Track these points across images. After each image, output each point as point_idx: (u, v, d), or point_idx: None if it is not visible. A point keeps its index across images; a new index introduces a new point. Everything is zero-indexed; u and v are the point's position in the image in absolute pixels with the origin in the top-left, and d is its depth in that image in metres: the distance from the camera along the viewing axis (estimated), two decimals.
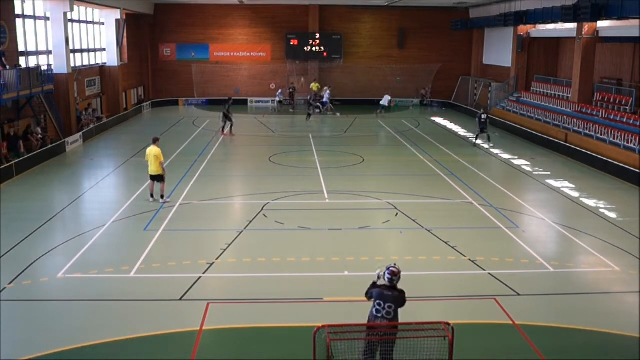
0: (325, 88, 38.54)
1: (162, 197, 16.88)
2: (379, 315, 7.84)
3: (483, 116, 26.90)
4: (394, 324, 7.87)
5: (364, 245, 13.73)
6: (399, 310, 7.96)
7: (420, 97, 42.92)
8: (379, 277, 8.06)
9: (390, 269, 7.93)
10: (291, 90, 40.35)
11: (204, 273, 11.95)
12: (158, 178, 16.75)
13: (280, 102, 39.59)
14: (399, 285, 8.01)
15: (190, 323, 9.81)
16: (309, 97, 36.31)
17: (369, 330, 7.98)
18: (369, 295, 8.03)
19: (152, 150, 16.61)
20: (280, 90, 39.94)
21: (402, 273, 8.15)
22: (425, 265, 12.55)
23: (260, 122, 33.90)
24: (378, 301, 7.85)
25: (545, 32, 33.60)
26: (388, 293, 7.84)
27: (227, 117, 28.69)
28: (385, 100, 37.27)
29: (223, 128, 28.91)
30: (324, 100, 37.25)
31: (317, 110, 37.10)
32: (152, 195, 17.02)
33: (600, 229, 14.97)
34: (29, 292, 11.04)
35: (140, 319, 10.06)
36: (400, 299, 7.88)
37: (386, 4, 39.47)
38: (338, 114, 36.53)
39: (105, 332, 9.49)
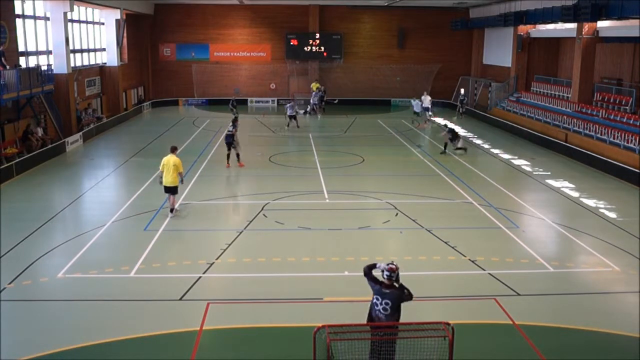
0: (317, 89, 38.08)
1: (171, 210, 15.53)
2: (377, 308, 7.97)
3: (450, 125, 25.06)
4: (394, 323, 7.89)
5: (364, 245, 13.73)
6: (403, 304, 8.06)
7: (460, 107, 37.34)
8: (379, 269, 8.11)
9: (389, 266, 8.00)
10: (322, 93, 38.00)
11: (204, 273, 11.94)
12: (173, 190, 15.42)
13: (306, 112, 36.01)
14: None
15: (190, 323, 9.81)
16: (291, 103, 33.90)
17: (370, 330, 8.01)
18: (371, 281, 8.06)
19: (171, 160, 15.21)
20: (289, 104, 31.90)
21: (402, 273, 8.20)
22: (425, 265, 12.55)
23: (260, 122, 33.90)
24: (376, 296, 7.96)
25: (545, 32, 33.60)
26: (386, 290, 7.93)
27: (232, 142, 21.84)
28: (417, 106, 33.61)
29: (237, 156, 22.01)
30: (315, 101, 36.95)
31: (304, 111, 36.98)
32: (171, 211, 15.50)
33: (600, 229, 14.97)
34: (29, 292, 11.04)
35: (140, 319, 10.05)
36: (398, 296, 7.94)
37: (386, 4, 39.48)
38: (308, 115, 36.48)
39: (105, 332, 9.49)
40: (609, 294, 11.25)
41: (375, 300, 7.98)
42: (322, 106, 37.53)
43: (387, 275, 7.97)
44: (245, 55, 42.59)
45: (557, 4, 26.56)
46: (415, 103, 34.39)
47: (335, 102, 39.76)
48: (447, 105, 41.88)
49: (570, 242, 14.20)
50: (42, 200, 17.59)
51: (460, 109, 37.39)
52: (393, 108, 42.00)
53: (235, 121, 23.02)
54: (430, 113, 34.17)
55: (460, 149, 24.55)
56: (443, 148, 24.69)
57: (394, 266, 8.01)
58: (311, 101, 37.02)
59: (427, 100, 34.12)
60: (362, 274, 8.17)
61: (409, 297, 8.00)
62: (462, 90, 39.15)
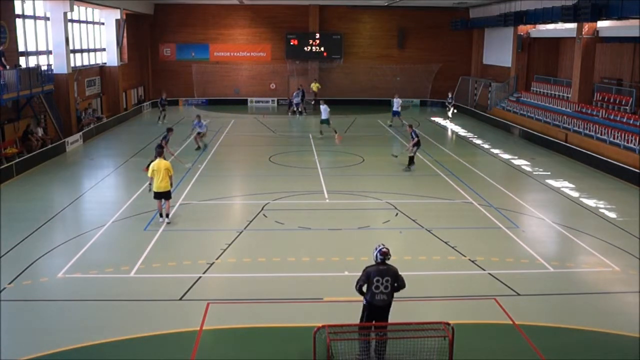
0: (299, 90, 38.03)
1: (167, 215, 14.97)
2: (378, 291, 8.18)
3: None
4: (392, 323, 7.91)
5: (364, 245, 13.66)
6: (401, 292, 8.47)
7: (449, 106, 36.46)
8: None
9: (382, 250, 8.35)
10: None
11: (204, 273, 11.94)
12: (167, 195, 14.82)
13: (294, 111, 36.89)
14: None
15: (190, 323, 9.81)
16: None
17: (367, 330, 8.03)
18: (362, 279, 8.29)
19: (161, 164, 14.56)
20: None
21: (402, 273, 8.26)
22: (425, 265, 12.55)
23: (260, 122, 33.90)
24: (377, 277, 8.19)
25: (545, 32, 33.60)
26: (383, 267, 8.28)
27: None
28: (325, 112, 27.92)
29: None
30: (297, 100, 36.87)
31: (291, 112, 36.99)
32: (161, 215, 14.94)
33: (600, 229, 14.97)
34: (29, 292, 11.04)
35: (140, 319, 10.05)
36: (396, 271, 8.31)
37: (386, 4, 39.47)
38: (298, 115, 36.53)
39: (105, 332, 9.50)
40: (609, 294, 11.25)
41: (376, 283, 8.16)
42: (304, 105, 37.53)
43: (381, 259, 8.29)
44: (245, 55, 42.59)
45: (557, 4, 26.56)
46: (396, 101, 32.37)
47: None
48: (446, 105, 41.83)
49: (570, 242, 14.20)
50: (42, 200, 17.59)
51: (448, 110, 36.75)
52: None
53: (169, 130, 21.44)
54: (398, 117, 32.17)
55: (411, 161, 21.49)
56: (407, 162, 21.60)
57: (385, 249, 8.35)
58: (294, 101, 37.00)
59: (397, 103, 32.08)
60: (358, 287, 8.33)
61: (402, 280, 8.33)
62: (450, 93, 38.40)
